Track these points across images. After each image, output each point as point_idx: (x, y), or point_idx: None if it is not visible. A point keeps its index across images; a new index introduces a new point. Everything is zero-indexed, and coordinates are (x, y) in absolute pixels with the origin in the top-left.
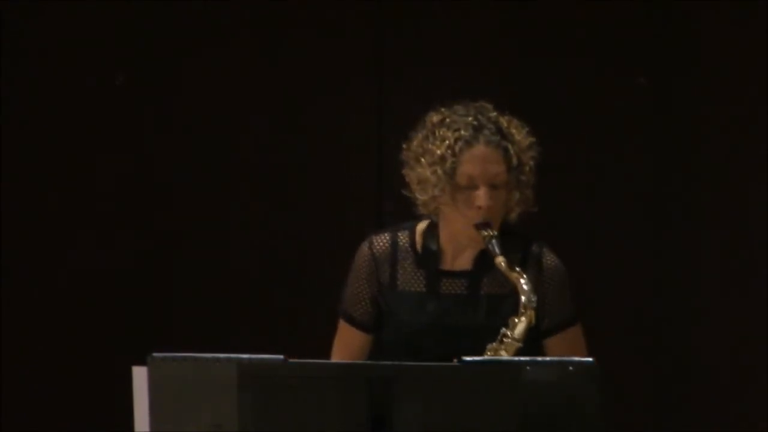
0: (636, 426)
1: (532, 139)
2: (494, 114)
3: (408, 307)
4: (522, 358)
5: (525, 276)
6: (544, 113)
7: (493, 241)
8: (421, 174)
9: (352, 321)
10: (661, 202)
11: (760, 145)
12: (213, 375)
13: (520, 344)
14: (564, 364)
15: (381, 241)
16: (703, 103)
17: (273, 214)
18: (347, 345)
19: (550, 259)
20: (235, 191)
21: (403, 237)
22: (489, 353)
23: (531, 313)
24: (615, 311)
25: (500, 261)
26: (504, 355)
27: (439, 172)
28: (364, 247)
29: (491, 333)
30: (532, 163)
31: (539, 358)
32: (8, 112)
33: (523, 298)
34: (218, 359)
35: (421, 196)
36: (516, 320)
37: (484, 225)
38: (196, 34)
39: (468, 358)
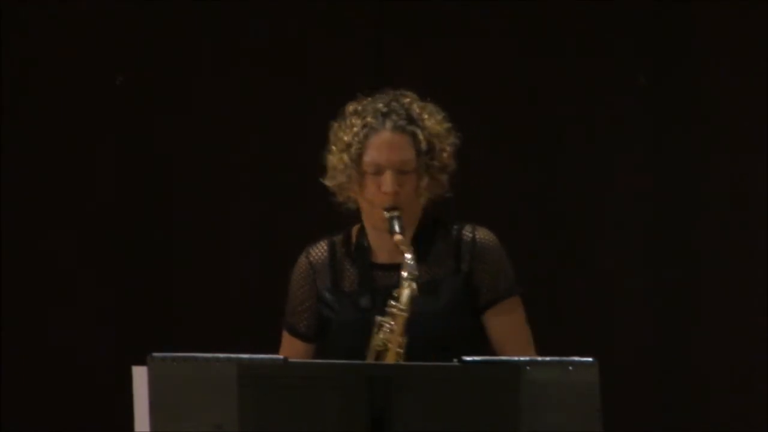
0: (636, 426)
1: (447, 125)
2: (408, 100)
3: (346, 305)
4: (522, 358)
5: (412, 252)
6: (544, 113)
7: (395, 220)
8: (331, 161)
9: (295, 332)
10: (661, 202)
11: (761, 144)
12: (213, 375)
13: (406, 314)
14: (564, 364)
15: (318, 249)
16: (703, 103)
17: (273, 214)
18: (290, 356)
19: (481, 234)
20: (236, 191)
21: (338, 241)
22: (383, 327)
23: (413, 284)
24: (615, 311)
25: (398, 239)
26: (394, 326)
27: (345, 158)
28: (302, 258)
29: (423, 320)
30: (449, 148)
31: (539, 358)
32: (8, 112)
33: (404, 272)
34: (218, 359)
35: (329, 183)
36: (400, 291)
37: (391, 208)
38: (195, 35)
39: (468, 358)
